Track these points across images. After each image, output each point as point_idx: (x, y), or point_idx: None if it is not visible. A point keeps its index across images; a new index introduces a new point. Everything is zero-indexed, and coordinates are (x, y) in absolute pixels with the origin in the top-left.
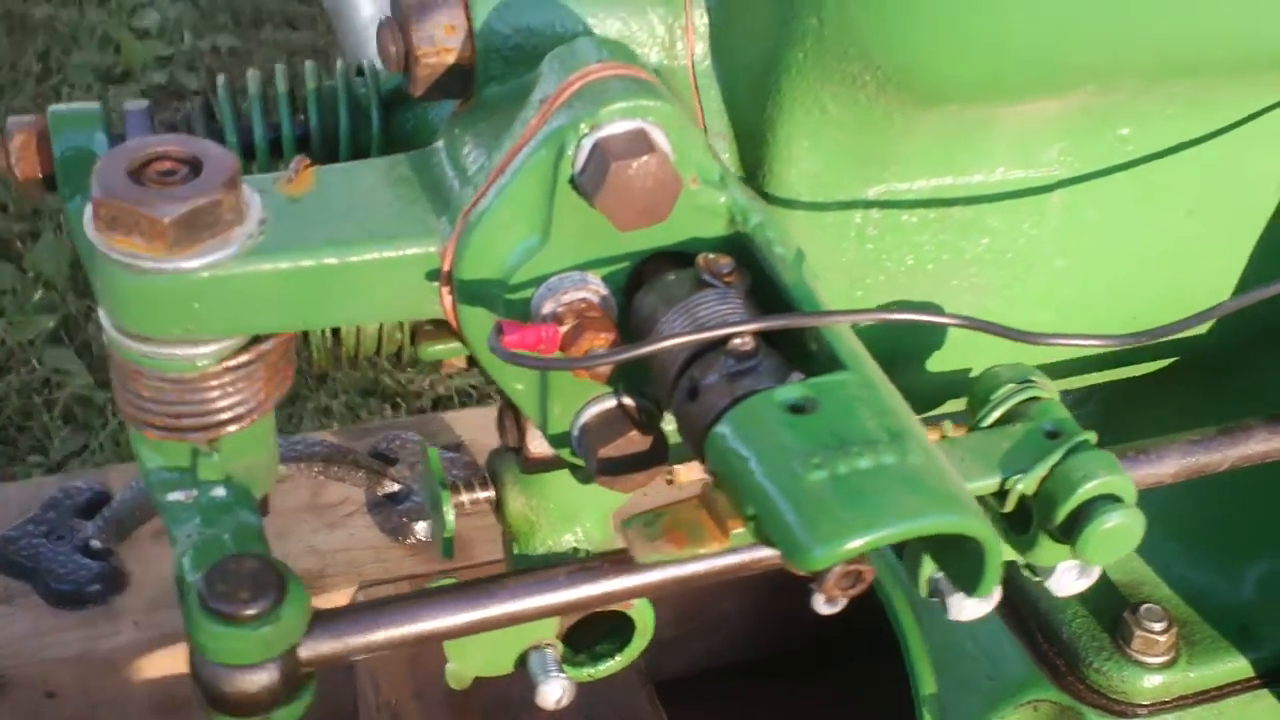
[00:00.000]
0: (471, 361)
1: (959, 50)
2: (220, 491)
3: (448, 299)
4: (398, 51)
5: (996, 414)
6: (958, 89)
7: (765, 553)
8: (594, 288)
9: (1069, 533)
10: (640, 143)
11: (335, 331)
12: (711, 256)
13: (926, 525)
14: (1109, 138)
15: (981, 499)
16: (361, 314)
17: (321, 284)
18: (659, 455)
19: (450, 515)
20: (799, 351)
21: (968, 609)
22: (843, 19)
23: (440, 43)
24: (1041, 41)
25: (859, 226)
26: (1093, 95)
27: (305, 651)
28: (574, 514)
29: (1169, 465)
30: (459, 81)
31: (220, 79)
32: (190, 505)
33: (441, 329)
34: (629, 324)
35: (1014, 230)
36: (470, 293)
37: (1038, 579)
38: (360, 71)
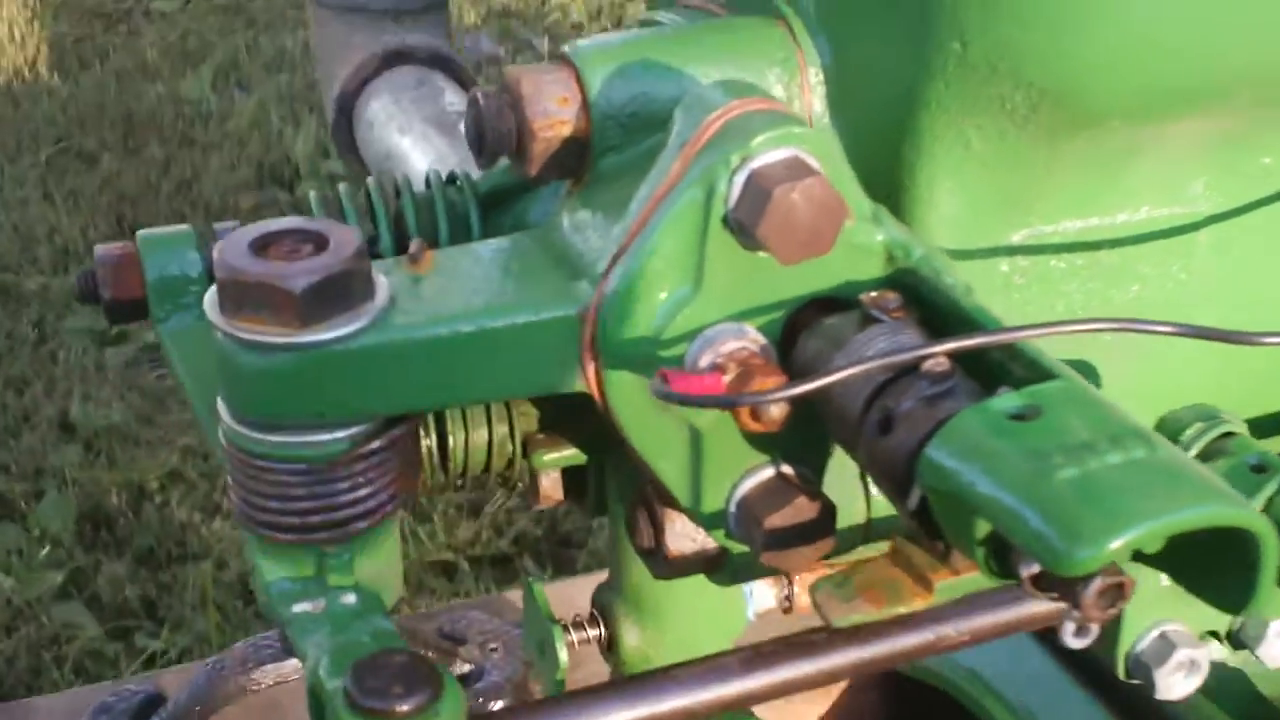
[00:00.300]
0: (569, 492)
1: (1124, 59)
2: (350, 599)
3: (590, 367)
4: (508, 130)
5: (1191, 453)
6: (1113, 103)
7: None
8: (752, 338)
9: None
10: (798, 168)
11: (442, 446)
12: (876, 294)
13: (1198, 516)
14: (1253, 168)
15: None
16: (498, 388)
17: (457, 356)
18: (828, 524)
19: (563, 653)
20: (994, 375)
21: (1177, 685)
22: (991, 38)
23: (555, 115)
24: (1205, 41)
25: (1005, 276)
26: (1239, 115)
27: None
28: (694, 644)
29: None
30: (575, 156)
31: (313, 194)
32: (319, 615)
33: (554, 436)
34: (790, 375)
35: (1163, 275)
36: (617, 355)
37: (1240, 650)
38: (452, 179)
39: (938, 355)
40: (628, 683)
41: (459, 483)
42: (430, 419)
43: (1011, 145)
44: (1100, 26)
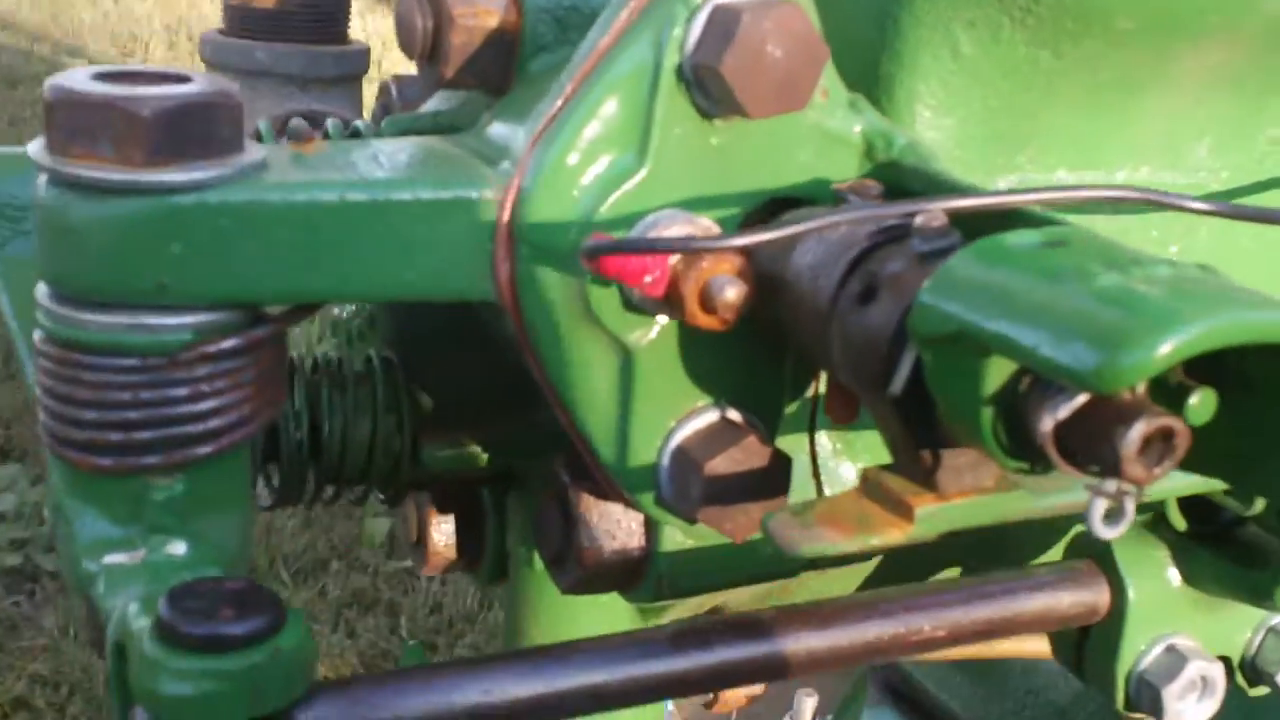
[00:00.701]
0: (463, 549)
1: None
2: (179, 548)
3: (505, 266)
4: (425, 25)
5: None
6: (1125, 4)
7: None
8: (705, 226)
9: None
10: (773, 3)
11: (315, 438)
12: (854, 182)
13: (1266, 324)
14: (1259, 140)
15: (1210, 519)
16: (388, 283)
17: (339, 231)
18: (780, 479)
19: None
20: None
21: (1189, 711)
22: None
23: (480, 3)
24: None
25: None
26: (1249, 56)
27: None
28: None
29: None
30: (500, 59)
31: None
32: (134, 567)
33: (450, 425)
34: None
35: (1161, 251)
36: (538, 245)
37: (1258, 687)
38: (355, 131)
39: (933, 211)
40: (525, 655)
41: (331, 490)
42: (302, 403)
43: (1007, 51)
44: None
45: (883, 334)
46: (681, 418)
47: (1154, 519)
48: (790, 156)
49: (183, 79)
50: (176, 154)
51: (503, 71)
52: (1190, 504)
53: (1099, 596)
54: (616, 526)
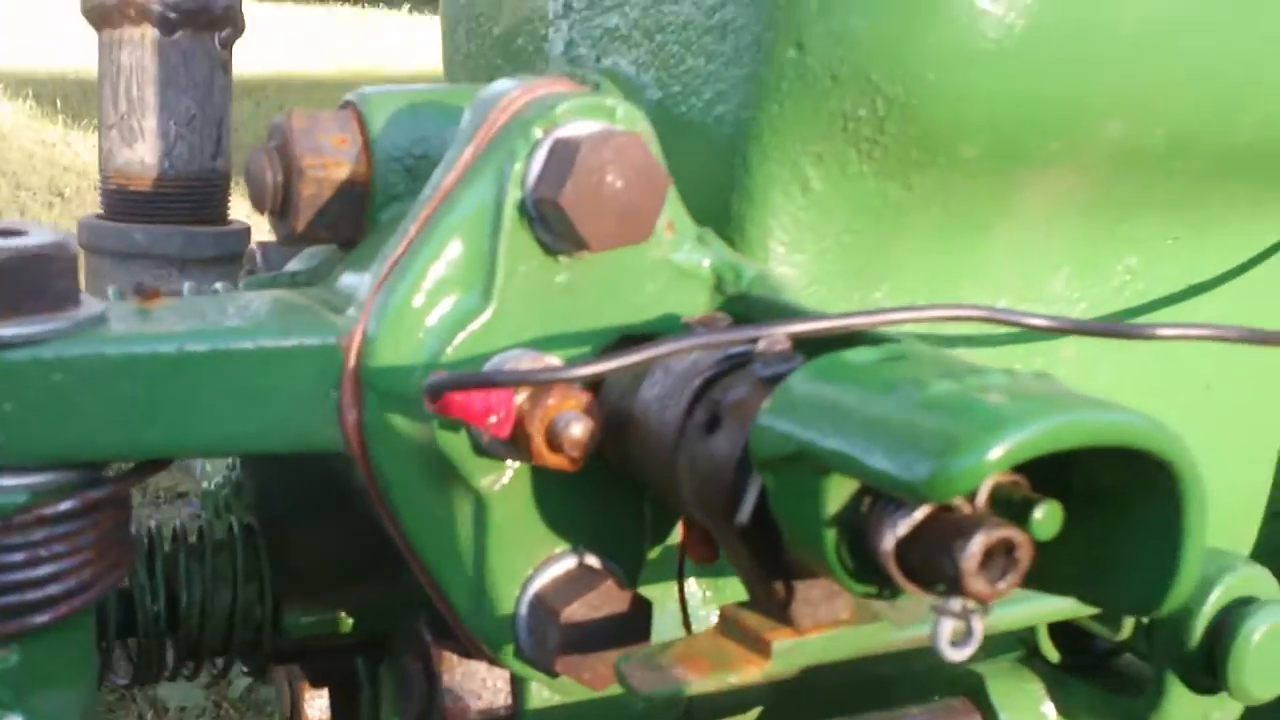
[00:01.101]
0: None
1: (977, 55)
2: None
3: (352, 413)
4: (275, 180)
5: None
6: (964, 118)
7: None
8: (553, 364)
9: (1211, 662)
10: (613, 135)
11: (172, 609)
12: (703, 315)
13: (1098, 427)
14: (1116, 270)
15: (1084, 650)
16: (230, 437)
17: (182, 385)
18: (641, 624)
19: None
20: None
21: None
22: (833, 31)
23: (329, 155)
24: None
25: None
26: (1100, 181)
27: None
28: None
29: None
30: (350, 209)
31: None
32: None
33: (313, 591)
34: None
35: None
36: (385, 390)
37: None
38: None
39: (775, 335)
40: None
41: (189, 665)
42: (159, 574)
43: (856, 185)
44: (951, 9)
45: (728, 462)
46: (539, 565)
47: (1028, 653)
48: (638, 291)
49: (18, 232)
50: (9, 308)
51: (354, 223)
52: (1063, 634)
53: None
54: (481, 685)
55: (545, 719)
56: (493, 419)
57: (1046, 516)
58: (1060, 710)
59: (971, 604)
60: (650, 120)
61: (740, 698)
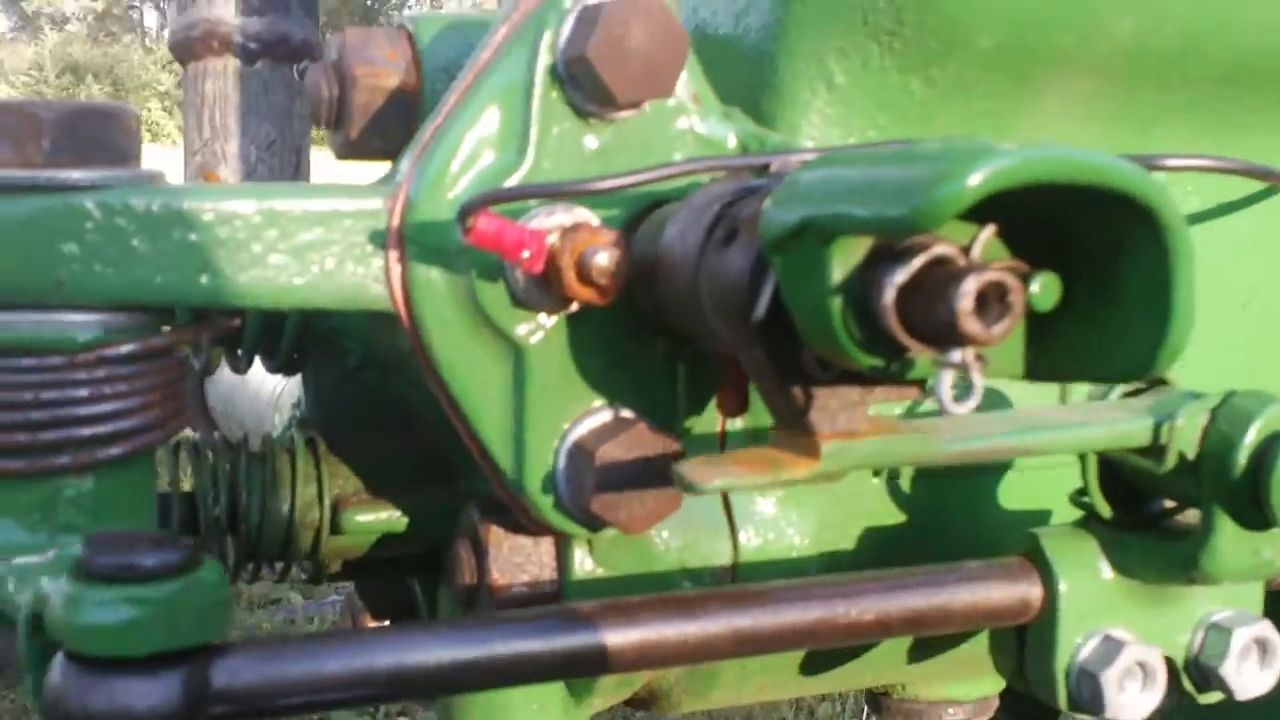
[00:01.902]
0: None
1: None
2: None
3: (396, 269)
4: (330, 94)
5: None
6: (980, 16)
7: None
8: (586, 215)
9: (1256, 493)
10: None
11: (233, 511)
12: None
13: (1080, 164)
14: None
15: (1123, 469)
16: (283, 288)
17: (236, 239)
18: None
19: None
20: None
21: (1131, 701)
22: None
23: (379, 65)
24: None
25: None
26: (1117, 85)
27: (222, 677)
28: None
29: None
30: (402, 119)
31: None
32: (44, 564)
33: (370, 494)
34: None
35: None
36: (426, 244)
37: (1207, 691)
38: None
39: (789, 160)
40: (462, 622)
41: (248, 568)
42: (221, 476)
43: (879, 80)
44: None
45: (744, 264)
46: (576, 418)
47: (1083, 517)
48: (666, 160)
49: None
50: (76, 156)
51: (405, 132)
52: (1117, 497)
53: (1031, 590)
54: (527, 559)
55: (589, 590)
56: (525, 254)
57: (1044, 287)
58: (1114, 565)
59: (971, 355)
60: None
61: (788, 566)
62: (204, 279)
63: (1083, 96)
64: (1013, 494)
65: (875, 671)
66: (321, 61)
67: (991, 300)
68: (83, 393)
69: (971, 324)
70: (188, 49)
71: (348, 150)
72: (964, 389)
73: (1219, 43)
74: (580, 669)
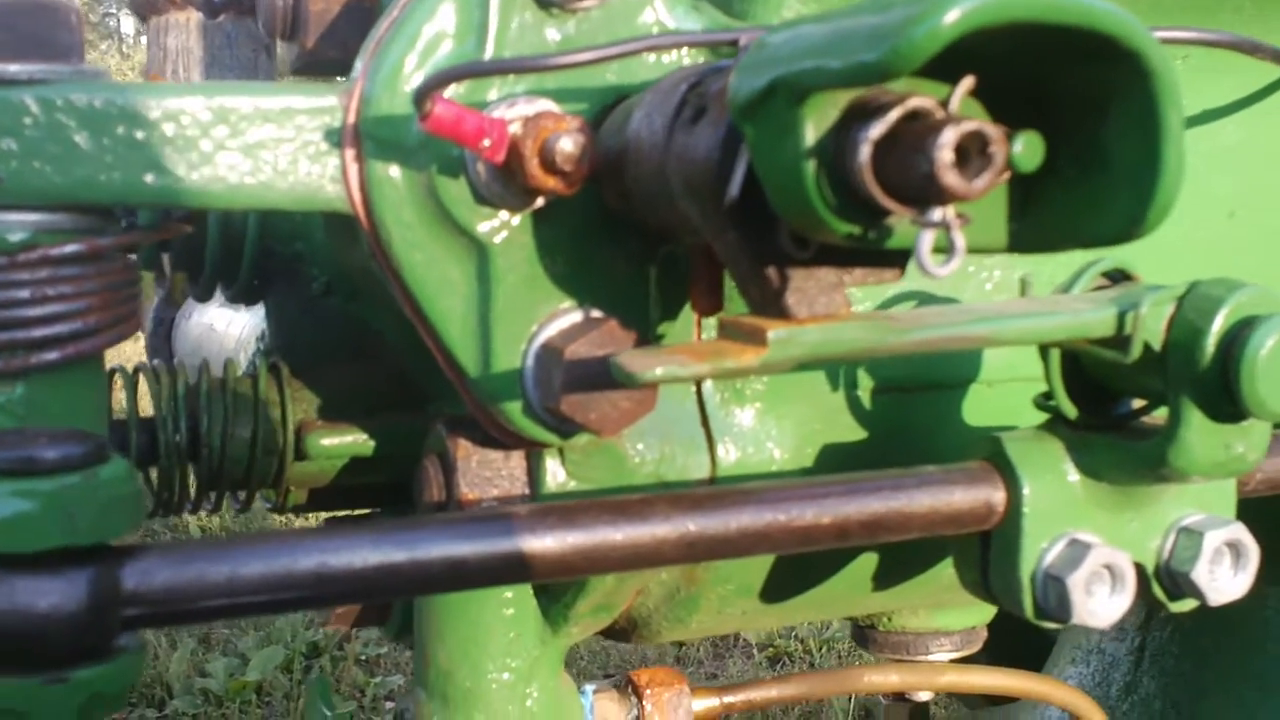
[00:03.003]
0: (367, 617)
1: None
2: None
3: (353, 167)
4: (284, 3)
5: (1083, 281)
6: None
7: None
8: (549, 106)
9: (1226, 382)
10: None
11: (194, 438)
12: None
13: (1062, 6)
14: None
15: (1089, 367)
16: (233, 190)
17: (188, 137)
18: None
19: None
20: None
21: (1101, 606)
22: None
23: None
24: None
25: None
26: None
27: (134, 578)
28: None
29: None
30: (359, 28)
31: None
32: None
33: (333, 415)
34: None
35: None
36: (384, 141)
37: (1179, 600)
38: None
39: (757, 34)
40: (387, 523)
41: (212, 496)
42: (180, 402)
43: None
44: None
45: (714, 141)
46: (544, 319)
47: (1049, 420)
48: (632, 57)
49: None
50: (13, 51)
51: (362, 42)
52: (1083, 399)
53: (994, 494)
54: (497, 473)
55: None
56: (486, 142)
57: (1027, 146)
58: (1080, 467)
59: (952, 213)
60: None
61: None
62: (150, 178)
63: None
64: (994, 409)
65: (859, 597)
66: None
67: (972, 153)
68: (22, 294)
69: (951, 176)
70: (149, 3)
71: (304, 63)
72: (949, 251)
73: None
74: (513, 574)
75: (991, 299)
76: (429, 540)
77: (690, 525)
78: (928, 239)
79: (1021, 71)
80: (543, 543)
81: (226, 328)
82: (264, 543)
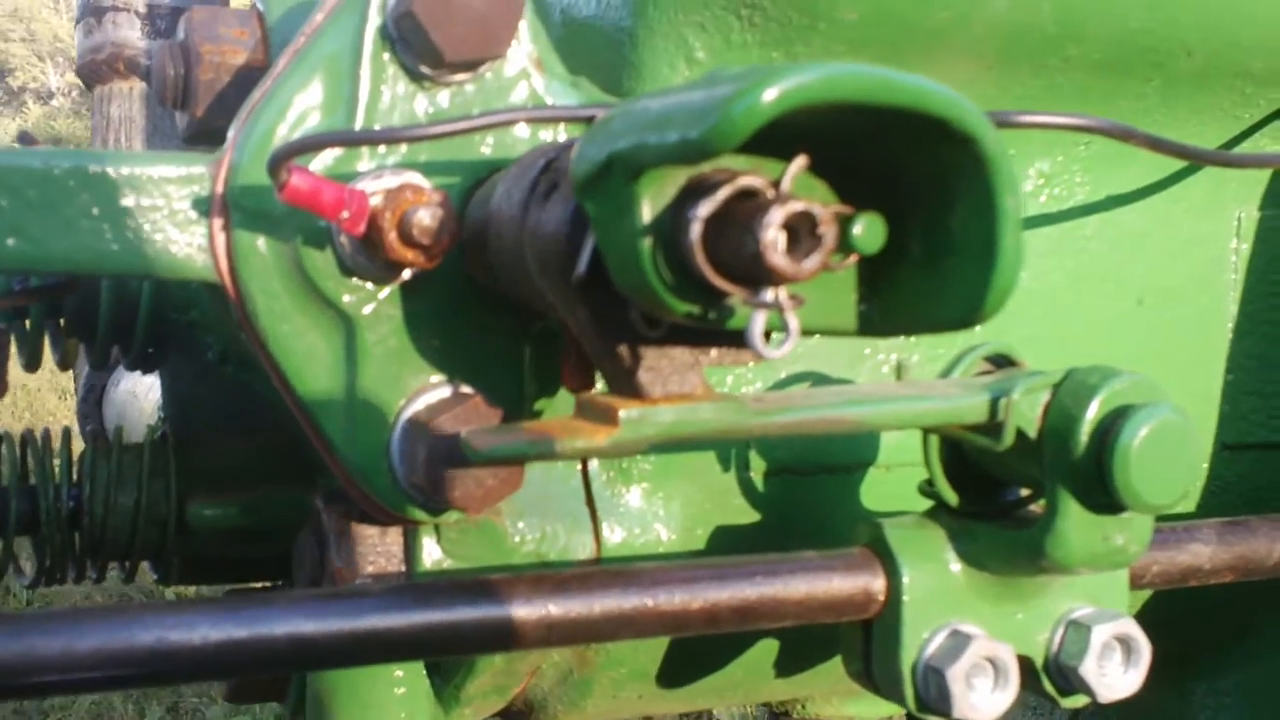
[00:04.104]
0: (264, 692)
1: None
2: None
3: (220, 239)
4: (176, 72)
5: (964, 366)
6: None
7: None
8: (417, 181)
9: (1100, 472)
10: None
11: (74, 504)
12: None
13: (886, 85)
14: (1029, 173)
15: (961, 460)
16: (99, 258)
17: (48, 200)
18: None
19: None
20: None
21: (982, 702)
22: None
23: (226, 42)
24: None
25: None
26: (989, 73)
27: None
28: None
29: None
30: (248, 94)
31: None
32: None
33: (222, 486)
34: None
35: None
36: (251, 211)
37: (1070, 696)
38: None
39: (614, 108)
40: (236, 599)
41: (93, 565)
42: (63, 470)
43: (740, 56)
44: None
45: (562, 216)
46: (412, 395)
47: (931, 507)
48: (507, 129)
49: None
50: None
51: None
52: (964, 486)
53: (873, 581)
54: (372, 549)
55: None
56: (345, 214)
57: (868, 228)
58: (962, 555)
59: (785, 294)
60: (557, 27)
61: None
62: (11, 241)
63: (960, 82)
64: (892, 493)
65: (762, 684)
66: (168, 40)
67: (803, 234)
68: None
69: (777, 258)
70: (94, 72)
71: (194, 132)
72: (780, 336)
73: (1098, 23)
74: (364, 654)
75: (888, 380)
76: (274, 618)
77: (551, 608)
78: (760, 320)
79: (871, 150)
80: (394, 622)
81: (147, 394)
82: (101, 616)
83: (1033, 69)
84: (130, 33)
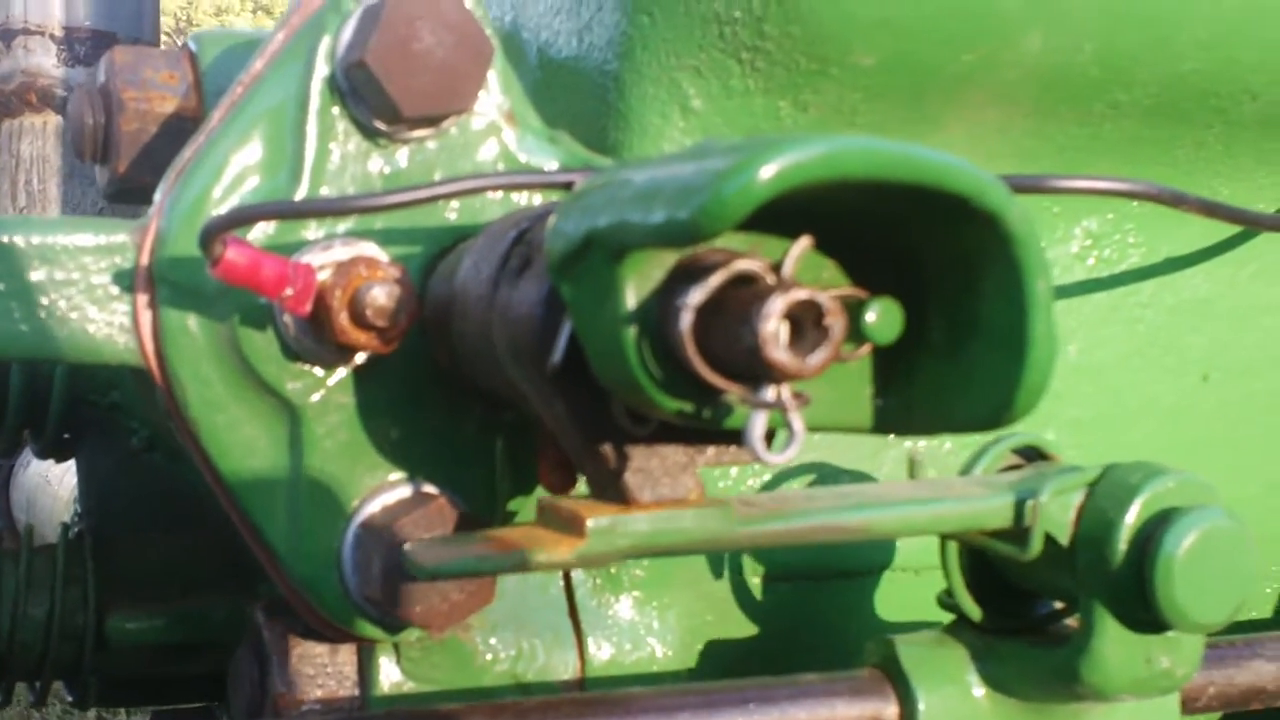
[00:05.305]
0: None
1: None
2: None
3: (145, 317)
4: (94, 120)
5: (988, 460)
6: (854, 24)
7: None
8: (370, 252)
9: (1141, 585)
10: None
11: None
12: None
13: (897, 161)
14: (1075, 233)
15: (986, 568)
16: (8, 340)
17: None
18: None
19: None
20: None
21: None
22: None
23: (154, 89)
24: None
25: None
26: (1024, 121)
27: None
28: None
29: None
30: (180, 147)
31: None
32: None
33: (146, 593)
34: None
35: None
36: (180, 286)
37: None
38: None
39: (590, 178)
40: None
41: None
42: None
43: (742, 104)
44: None
45: (537, 297)
46: (367, 495)
47: (953, 622)
48: (477, 199)
49: None
50: None
51: None
52: (991, 599)
53: (884, 708)
54: (321, 670)
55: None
56: (288, 291)
57: (883, 315)
58: (986, 679)
59: (787, 393)
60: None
61: (647, 682)
62: None
63: (991, 129)
64: (919, 600)
65: None
66: (86, 85)
67: (807, 325)
68: None
69: (778, 353)
70: (3, 104)
71: (116, 190)
72: (787, 440)
73: (1148, 65)
74: None
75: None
76: None
77: None
78: (760, 421)
79: (885, 230)
80: None
81: (61, 478)
82: None
83: (1076, 117)
84: (44, 60)
